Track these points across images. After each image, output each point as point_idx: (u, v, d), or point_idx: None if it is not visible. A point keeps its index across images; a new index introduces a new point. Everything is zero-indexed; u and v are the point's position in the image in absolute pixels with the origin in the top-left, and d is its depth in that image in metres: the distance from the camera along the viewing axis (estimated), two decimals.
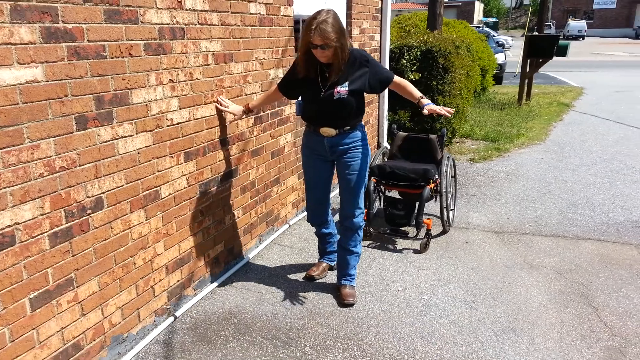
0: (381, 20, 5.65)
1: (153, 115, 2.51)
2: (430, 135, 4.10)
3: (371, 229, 3.88)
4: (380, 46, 5.68)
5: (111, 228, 2.34)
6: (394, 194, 4.16)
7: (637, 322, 2.76)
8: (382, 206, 4.16)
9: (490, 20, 45.53)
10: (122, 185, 2.38)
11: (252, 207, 3.57)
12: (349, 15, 4.88)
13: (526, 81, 9.87)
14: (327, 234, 3.24)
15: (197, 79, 2.80)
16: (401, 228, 3.86)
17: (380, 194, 4.13)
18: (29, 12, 1.86)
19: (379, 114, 5.93)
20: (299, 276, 3.31)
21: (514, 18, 57.33)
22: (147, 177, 2.52)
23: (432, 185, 3.75)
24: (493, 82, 11.72)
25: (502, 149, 6.56)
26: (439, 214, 3.99)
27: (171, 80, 2.60)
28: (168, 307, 2.82)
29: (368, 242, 3.82)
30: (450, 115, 2.71)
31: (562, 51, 9.64)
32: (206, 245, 3.08)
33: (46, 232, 2.02)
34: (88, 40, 2.11)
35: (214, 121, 2.99)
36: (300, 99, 2.96)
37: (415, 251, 3.67)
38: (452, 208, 4.14)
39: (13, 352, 1.94)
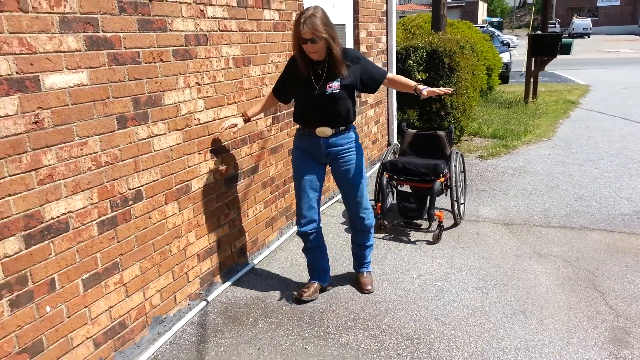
0: (387, 23, 5.82)
1: (182, 115, 2.70)
2: (439, 132, 4.25)
3: (385, 222, 4.04)
4: (387, 48, 5.85)
5: (149, 218, 2.53)
6: (406, 188, 4.32)
7: None
8: (395, 200, 4.32)
9: (495, 19, 45.24)
10: (158, 179, 2.57)
11: (273, 201, 3.75)
12: (355, 19, 5.02)
13: (532, 79, 9.90)
14: (315, 247, 3.05)
15: (219, 81, 2.99)
16: (414, 221, 4.00)
17: (393, 189, 4.29)
18: (75, 23, 2.05)
19: (388, 113, 6.09)
20: None
21: (519, 17, 57.09)
22: (179, 172, 2.71)
23: (442, 179, 3.91)
24: (499, 81, 11.70)
25: (510, 145, 6.61)
26: (449, 208, 4.13)
27: (197, 83, 2.79)
28: (200, 292, 3.00)
29: (383, 234, 3.97)
30: (449, 92, 2.79)
31: (566, 49, 9.63)
32: (232, 236, 3.27)
33: (95, 220, 2.22)
34: (125, 48, 2.30)
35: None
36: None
37: (428, 242, 3.81)
38: (462, 202, 4.26)
39: (70, 327, 2.13)
